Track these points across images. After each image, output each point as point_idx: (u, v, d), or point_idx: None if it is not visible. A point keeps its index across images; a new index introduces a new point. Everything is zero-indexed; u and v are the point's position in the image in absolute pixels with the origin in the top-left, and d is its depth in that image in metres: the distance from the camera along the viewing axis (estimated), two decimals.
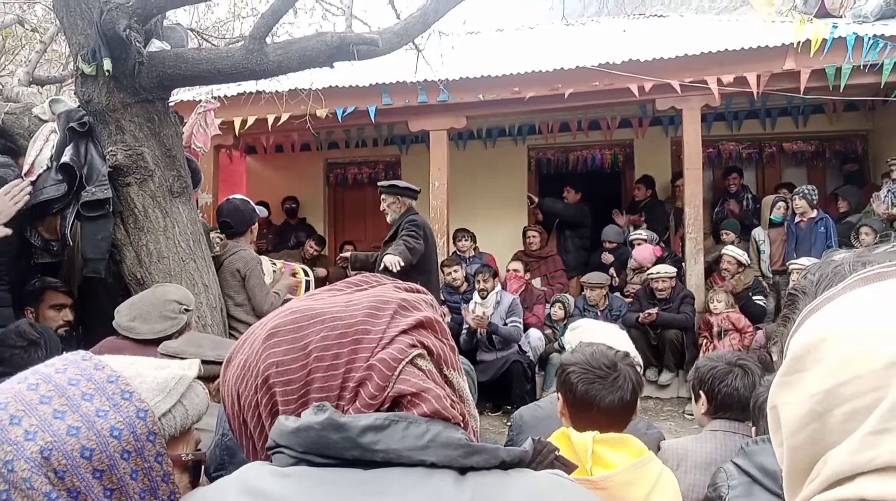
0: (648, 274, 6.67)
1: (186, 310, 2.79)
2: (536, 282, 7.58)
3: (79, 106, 3.76)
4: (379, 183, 5.54)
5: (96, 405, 0.80)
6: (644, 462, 1.60)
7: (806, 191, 6.89)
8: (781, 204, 7.21)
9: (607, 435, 1.65)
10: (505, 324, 6.17)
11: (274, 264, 4.83)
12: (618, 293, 7.24)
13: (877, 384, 0.59)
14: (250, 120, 7.23)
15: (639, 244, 7.27)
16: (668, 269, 6.59)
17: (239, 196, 4.37)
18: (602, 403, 1.76)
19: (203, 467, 0.96)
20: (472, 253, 7.67)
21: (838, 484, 0.61)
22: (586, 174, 9.03)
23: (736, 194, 8.05)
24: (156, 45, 3.79)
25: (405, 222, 5.09)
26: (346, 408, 0.75)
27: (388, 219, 5.33)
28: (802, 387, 0.65)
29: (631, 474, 1.55)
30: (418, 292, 0.86)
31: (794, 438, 0.67)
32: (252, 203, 4.31)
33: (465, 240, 7.59)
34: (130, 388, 0.83)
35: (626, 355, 1.87)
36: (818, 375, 0.64)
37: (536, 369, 6.47)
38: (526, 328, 6.48)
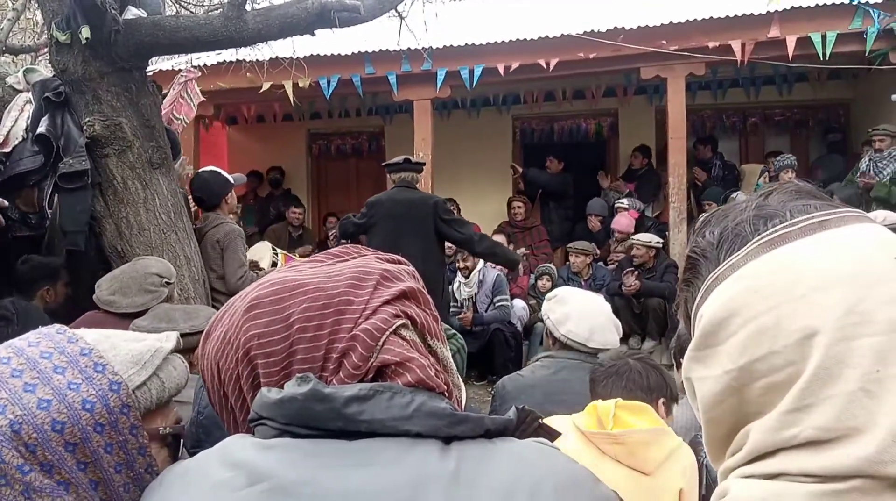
0: (633, 240, 6.69)
1: (167, 283, 2.77)
2: (521, 252, 7.59)
3: (54, 75, 3.68)
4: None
5: (68, 378, 0.78)
6: (664, 430, 1.64)
7: (794, 163, 6.94)
8: (766, 175, 7.25)
9: (629, 403, 1.70)
10: (492, 302, 6.18)
11: (275, 253, 4.79)
12: (601, 263, 7.27)
13: (791, 359, 0.60)
14: (232, 91, 7.12)
15: (633, 211, 7.29)
16: (648, 238, 6.62)
17: (209, 168, 4.28)
18: (597, 388, 1.87)
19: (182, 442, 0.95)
20: None
21: (761, 458, 0.62)
22: (571, 144, 9.01)
23: (705, 161, 8.01)
24: (132, 12, 3.70)
25: None
26: (329, 379, 0.74)
27: None
28: (716, 363, 0.65)
29: (649, 436, 1.59)
30: (400, 262, 0.85)
31: (712, 411, 0.67)
32: (224, 174, 4.22)
33: None
34: (104, 360, 0.82)
35: (640, 353, 1.94)
36: (731, 351, 0.63)
37: (522, 337, 6.51)
38: (510, 298, 6.51)
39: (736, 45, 6.34)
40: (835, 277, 0.60)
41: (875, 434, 0.56)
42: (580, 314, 2.36)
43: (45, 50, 4.70)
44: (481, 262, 6.40)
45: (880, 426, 0.56)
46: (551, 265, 7.16)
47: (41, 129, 3.46)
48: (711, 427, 0.69)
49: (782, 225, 0.64)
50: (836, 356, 0.58)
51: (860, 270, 0.60)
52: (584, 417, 1.65)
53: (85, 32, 3.27)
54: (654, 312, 6.44)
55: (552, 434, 0.85)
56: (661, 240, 6.70)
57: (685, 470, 1.65)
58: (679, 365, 2.38)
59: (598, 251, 7.38)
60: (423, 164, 5.62)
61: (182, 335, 2.02)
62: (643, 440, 1.57)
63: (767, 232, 0.64)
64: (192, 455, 0.88)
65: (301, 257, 4.87)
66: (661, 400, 1.84)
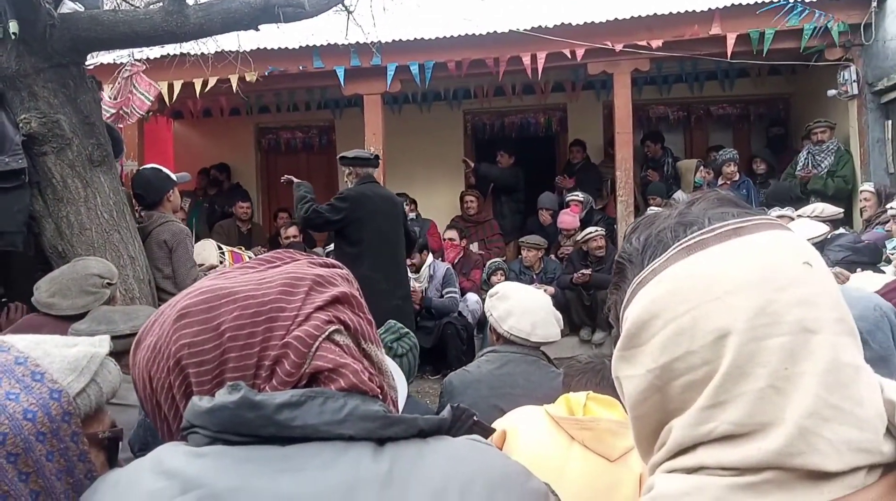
0: (585, 234, 6.81)
1: (109, 284, 2.71)
2: (474, 247, 7.64)
3: None
4: (340, 155, 5.42)
5: (5, 389, 0.77)
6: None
7: (736, 156, 7.14)
8: (703, 169, 7.43)
9: (600, 396, 1.73)
10: (441, 296, 6.23)
11: (221, 251, 4.70)
12: (552, 256, 7.37)
13: (707, 358, 0.63)
14: (177, 86, 6.95)
15: (574, 206, 7.38)
16: (592, 229, 6.77)
17: (150, 166, 4.21)
18: (571, 383, 1.90)
19: (127, 444, 0.94)
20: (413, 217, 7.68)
21: (682, 453, 0.65)
22: (521, 138, 9.09)
23: (657, 159, 8.14)
24: (68, 6, 3.61)
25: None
26: (262, 387, 0.75)
27: None
28: (640, 362, 0.68)
29: (616, 426, 1.63)
30: (334, 267, 0.86)
31: (638, 409, 0.70)
32: (165, 171, 4.12)
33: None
34: (41, 369, 0.81)
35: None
36: (653, 351, 0.67)
37: (475, 332, 6.56)
38: (463, 293, 6.55)
39: (679, 42, 6.49)
40: (747, 280, 0.63)
41: (783, 429, 0.59)
42: (522, 309, 2.40)
43: None
44: (430, 257, 6.45)
45: (788, 421, 0.59)
46: (502, 260, 7.22)
47: None
48: (638, 424, 0.72)
49: (700, 232, 0.67)
50: (747, 355, 0.61)
51: (771, 274, 0.63)
52: (556, 406, 1.70)
53: (13, 27, 3.17)
54: (604, 303, 6.55)
55: (486, 431, 0.87)
56: (601, 228, 6.86)
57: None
58: None
59: (550, 244, 7.48)
60: None
61: (123, 337, 2.00)
62: (610, 428, 1.62)
63: (686, 238, 0.67)
64: (140, 457, 0.87)
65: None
66: None
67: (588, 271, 6.58)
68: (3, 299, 3.42)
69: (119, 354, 1.32)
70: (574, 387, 1.88)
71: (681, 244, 0.67)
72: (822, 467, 0.58)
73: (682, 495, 0.62)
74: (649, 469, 0.71)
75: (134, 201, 4.13)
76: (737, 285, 0.63)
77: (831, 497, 0.59)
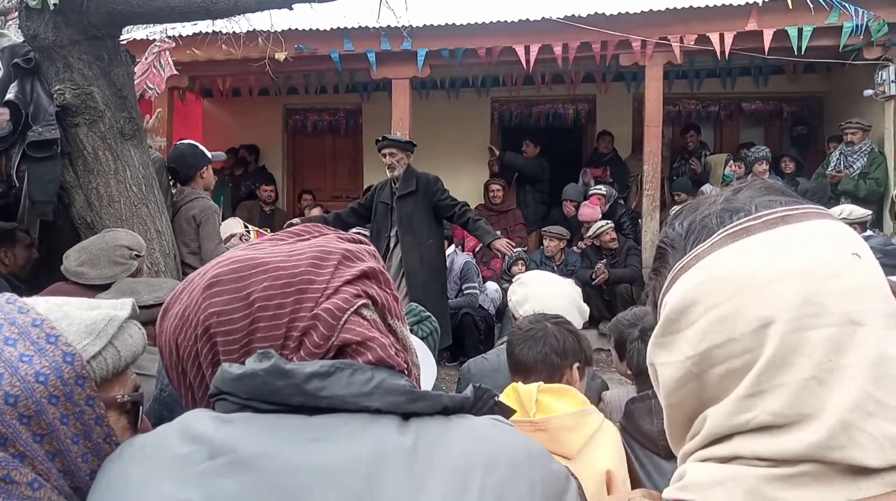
0: (596, 229, 6.80)
1: (137, 256, 2.74)
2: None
3: (24, 41, 3.60)
4: (387, 136, 5.45)
5: (20, 351, 0.77)
6: (585, 412, 1.63)
7: (769, 155, 7.05)
8: (732, 163, 7.34)
9: (551, 386, 1.69)
10: (461, 290, 6.25)
11: (247, 229, 4.76)
12: (574, 247, 7.34)
13: (748, 347, 0.61)
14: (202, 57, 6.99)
15: (596, 198, 7.33)
16: (600, 225, 6.77)
17: (186, 141, 4.25)
18: (514, 351, 1.88)
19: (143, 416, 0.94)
20: None
21: (717, 442, 0.64)
22: (547, 128, 9.02)
23: (693, 151, 8.10)
24: None
25: (430, 181, 5.35)
26: (290, 357, 0.75)
27: (394, 173, 5.34)
28: (678, 349, 0.67)
29: (571, 420, 1.58)
30: (361, 242, 0.86)
31: (673, 396, 0.69)
32: (201, 148, 4.17)
33: None
34: (56, 331, 0.81)
35: (558, 317, 1.93)
36: (692, 337, 0.65)
37: (495, 320, 6.55)
38: (483, 281, 6.55)
39: (714, 37, 6.39)
40: (793, 269, 0.62)
41: (824, 421, 0.58)
42: (538, 296, 2.37)
43: (15, 14, 4.59)
44: (452, 247, 6.43)
45: (830, 413, 0.58)
46: (523, 250, 7.18)
47: (9, 95, 3.38)
48: (672, 412, 0.70)
49: (746, 218, 0.66)
50: (790, 345, 0.60)
51: (818, 264, 0.62)
52: (505, 400, 1.64)
53: None
54: (622, 297, 6.56)
55: (507, 412, 0.87)
56: (609, 221, 6.86)
57: (612, 452, 1.66)
58: (616, 346, 2.35)
59: (573, 236, 7.44)
60: None
61: (146, 307, 2.03)
62: (565, 424, 1.56)
63: (732, 224, 0.66)
64: None
65: None
66: (576, 365, 1.85)
67: (602, 267, 6.62)
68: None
69: (142, 324, 1.33)
70: (517, 356, 1.85)
71: (726, 230, 0.66)
72: (862, 462, 0.57)
73: (715, 484, 0.62)
74: (680, 458, 0.70)
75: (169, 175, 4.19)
76: (782, 273, 0.61)
77: (869, 493, 0.57)
